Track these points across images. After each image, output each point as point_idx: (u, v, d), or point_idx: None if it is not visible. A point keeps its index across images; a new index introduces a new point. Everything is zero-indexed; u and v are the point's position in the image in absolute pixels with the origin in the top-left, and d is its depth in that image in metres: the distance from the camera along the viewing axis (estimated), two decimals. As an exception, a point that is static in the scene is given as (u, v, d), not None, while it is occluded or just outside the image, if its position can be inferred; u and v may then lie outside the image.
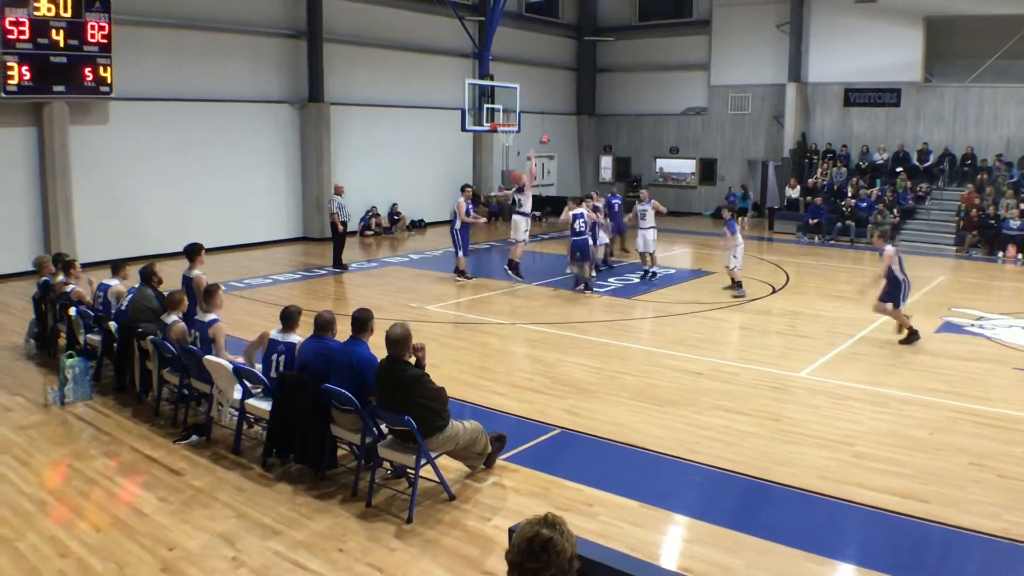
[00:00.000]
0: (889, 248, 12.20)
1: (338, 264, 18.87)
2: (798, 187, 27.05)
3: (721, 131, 30.92)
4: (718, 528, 6.39)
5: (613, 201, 19.90)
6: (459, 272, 17.44)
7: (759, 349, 11.91)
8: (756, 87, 29.74)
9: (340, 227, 18.73)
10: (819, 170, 27.19)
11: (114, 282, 10.85)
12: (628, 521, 6.53)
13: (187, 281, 10.22)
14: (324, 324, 7.54)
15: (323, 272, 18.57)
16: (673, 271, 18.42)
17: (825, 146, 27.98)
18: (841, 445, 8.13)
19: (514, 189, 17.60)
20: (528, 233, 17.41)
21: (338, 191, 19.09)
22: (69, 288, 11.33)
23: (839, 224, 24.39)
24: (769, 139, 29.79)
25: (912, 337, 12.08)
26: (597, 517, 6.59)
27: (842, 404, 9.48)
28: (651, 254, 17.57)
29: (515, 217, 17.37)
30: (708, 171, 31.59)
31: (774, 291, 16.29)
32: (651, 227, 17.48)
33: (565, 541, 2.83)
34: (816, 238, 24.44)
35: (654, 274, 17.54)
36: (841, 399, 9.66)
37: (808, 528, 6.50)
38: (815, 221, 24.68)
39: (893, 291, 12.09)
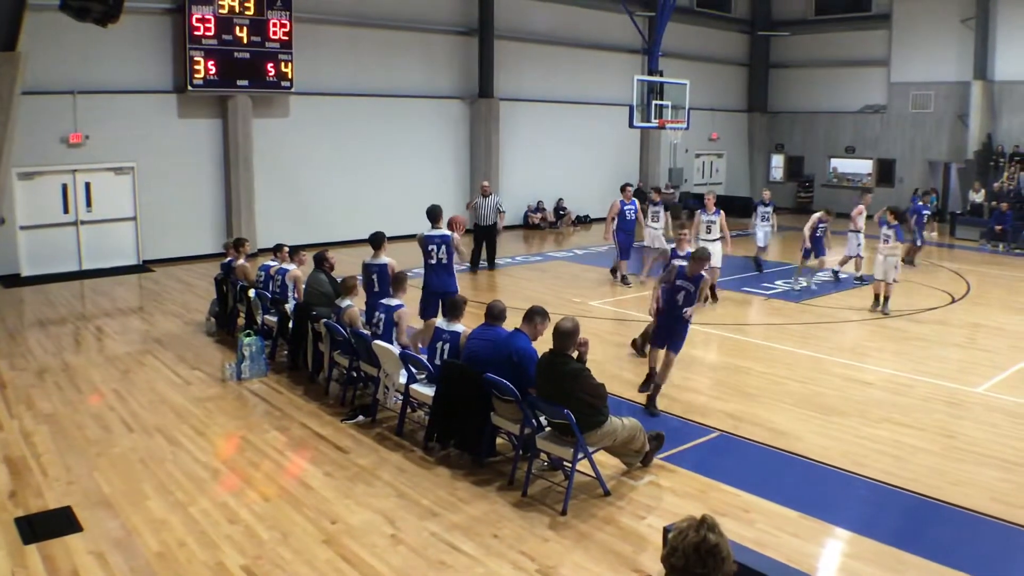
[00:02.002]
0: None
1: (475, 262, 18.13)
2: (983, 191, 25.59)
3: (901, 130, 29.43)
4: (881, 545, 6.13)
5: (924, 212, 19.08)
6: (613, 273, 17.18)
7: (935, 361, 11.31)
8: (939, 84, 28.14)
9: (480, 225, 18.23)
10: (1006, 174, 25.51)
11: (290, 266, 11.37)
12: (786, 531, 6.36)
13: (375, 268, 10.31)
14: (497, 313, 7.69)
15: (486, 265, 18.79)
16: (846, 276, 17.73)
17: (1012, 148, 26.17)
18: (1018, 467, 7.64)
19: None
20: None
21: (483, 191, 18.47)
22: (237, 262, 12.21)
23: (1027, 231, 22.79)
24: (952, 140, 28.15)
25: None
26: (754, 524, 6.45)
27: (1022, 423, 8.88)
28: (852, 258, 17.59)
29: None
30: (886, 172, 30.16)
31: (953, 301, 15.45)
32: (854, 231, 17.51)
33: (727, 545, 2.79)
34: (1001, 246, 22.88)
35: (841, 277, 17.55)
36: (1021, 418, 9.05)
37: (978, 552, 6.18)
38: (1000, 228, 23.13)
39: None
